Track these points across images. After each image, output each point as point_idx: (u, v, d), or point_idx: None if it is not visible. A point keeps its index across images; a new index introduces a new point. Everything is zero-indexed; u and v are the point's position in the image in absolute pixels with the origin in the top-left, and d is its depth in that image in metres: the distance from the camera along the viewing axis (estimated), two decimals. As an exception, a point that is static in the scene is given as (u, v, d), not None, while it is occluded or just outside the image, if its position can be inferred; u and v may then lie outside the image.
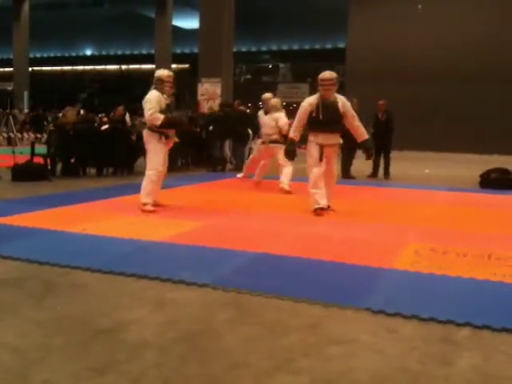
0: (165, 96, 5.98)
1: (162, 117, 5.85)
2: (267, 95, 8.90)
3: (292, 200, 7.17)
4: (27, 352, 2.36)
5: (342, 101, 5.94)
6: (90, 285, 3.35)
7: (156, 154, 6.01)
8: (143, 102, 5.98)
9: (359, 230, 5.29)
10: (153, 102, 5.87)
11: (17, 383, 2.09)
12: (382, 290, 3.42)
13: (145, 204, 5.94)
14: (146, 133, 6.08)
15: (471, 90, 20.92)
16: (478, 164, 12.46)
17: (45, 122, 18.09)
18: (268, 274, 3.72)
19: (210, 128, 11.97)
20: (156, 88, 6.00)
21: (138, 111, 17.21)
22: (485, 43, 21.03)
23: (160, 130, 5.94)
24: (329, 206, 6.08)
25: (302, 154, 6.91)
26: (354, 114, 6.00)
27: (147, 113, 5.88)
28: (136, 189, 7.84)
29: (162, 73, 6.10)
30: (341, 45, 31.20)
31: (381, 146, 10.72)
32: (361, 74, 22.11)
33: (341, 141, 6.22)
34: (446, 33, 21.73)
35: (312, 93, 6.39)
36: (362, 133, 6.08)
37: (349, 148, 10.52)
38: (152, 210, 5.89)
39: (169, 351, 2.42)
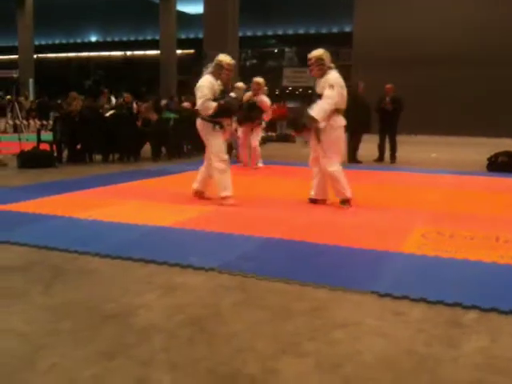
0: (219, 82, 5.61)
1: (213, 105, 5.49)
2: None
3: (298, 185, 7.16)
4: (35, 337, 2.39)
5: (326, 79, 5.44)
6: (98, 270, 3.37)
7: (216, 144, 5.61)
8: (195, 88, 5.63)
9: (365, 214, 5.28)
10: (205, 89, 5.50)
11: (25, 368, 2.11)
12: (388, 273, 3.42)
13: (225, 198, 5.56)
14: (199, 122, 5.69)
15: (479, 73, 20.70)
16: (485, 147, 12.37)
17: (50, 109, 18.11)
18: (274, 258, 3.73)
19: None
20: (212, 73, 5.62)
21: (143, 97, 17.16)
22: (493, 27, 20.76)
23: (213, 120, 5.57)
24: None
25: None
26: (327, 94, 5.37)
27: (198, 101, 5.55)
28: (142, 175, 7.88)
29: (224, 58, 5.66)
30: (347, 29, 30.89)
31: (387, 130, 10.66)
32: (368, 57, 21.92)
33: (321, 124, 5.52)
34: (453, 16, 21.45)
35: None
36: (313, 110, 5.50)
37: (355, 132, 10.50)
38: (233, 202, 5.53)
39: (176, 335, 2.43)
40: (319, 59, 5.50)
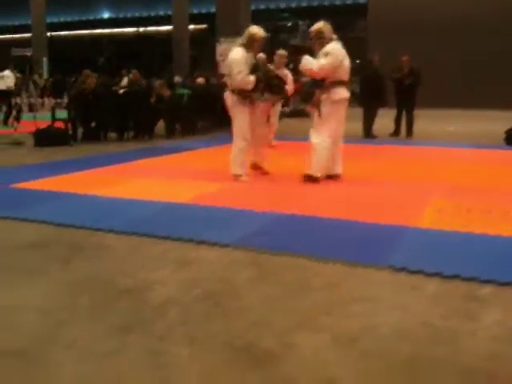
0: (250, 55, 5.47)
1: (252, 79, 5.38)
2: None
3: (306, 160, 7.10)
4: (54, 312, 2.42)
5: (322, 50, 5.33)
6: (114, 246, 3.40)
7: (243, 121, 5.50)
8: (228, 62, 5.52)
9: (382, 188, 5.23)
10: (240, 63, 5.35)
11: (47, 343, 2.15)
12: (404, 247, 3.40)
13: (238, 176, 5.53)
14: (228, 96, 5.56)
15: (496, 44, 20.22)
16: (503, 120, 12.14)
17: (65, 87, 18.13)
18: (289, 234, 3.72)
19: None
20: (243, 45, 5.45)
21: (156, 73, 17.08)
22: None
23: (245, 94, 5.44)
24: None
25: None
26: (319, 60, 5.27)
27: (237, 76, 5.37)
28: (157, 152, 7.89)
29: (258, 31, 5.47)
30: (361, 0, 30.29)
31: (403, 103, 10.49)
32: (383, 28, 21.51)
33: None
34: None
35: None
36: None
37: (370, 107, 10.36)
38: (246, 179, 5.51)
39: (192, 309, 2.45)
40: (319, 32, 5.39)
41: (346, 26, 31.82)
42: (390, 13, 21.58)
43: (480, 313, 2.43)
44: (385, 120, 10.79)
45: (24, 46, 30.91)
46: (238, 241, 3.45)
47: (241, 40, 5.53)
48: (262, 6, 34.95)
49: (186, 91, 11.41)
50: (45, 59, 28.94)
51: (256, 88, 5.48)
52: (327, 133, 5.35)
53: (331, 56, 5.22)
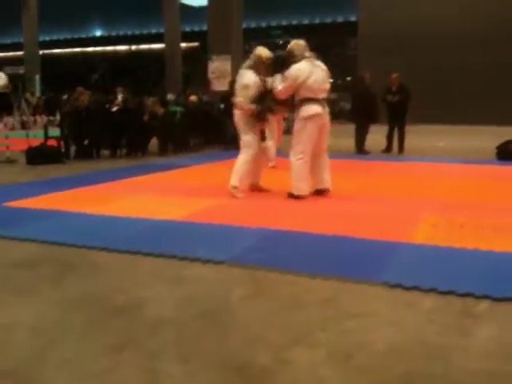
0: (260, 76, 5.55)
1: (253, 108, 5.53)
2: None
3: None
4: (46, 331, 2.39)
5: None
6: (107, 264, 3.37)
7: (249, 134, 5.66)
8: (239, 84, 5.60)
9: (375, 204, 5.25)
10: (251, 89, 5.48)
11: (38, 362, 2.12)
12: (398, 263, 3.40)
13: (234, 187, 5.56)
14: (238, 114, 5.70)
15: (486, 59, 20.50)
16: (493, 136, 12.27)
17: (57, 105, 18.16)
18: (283, 250, 3.72)
19: (222, 106, 11.91)
20: (252, 67, 5.56)
21: (149, 91, 17.11)
22: (502, 10, 20.52)
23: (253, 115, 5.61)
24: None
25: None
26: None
27: (240, 100, 5.55)
28: (150, 169, 7.88)
29: (264, 52, 5.60)
30: (352, 18, 30.69)
31: (394, 120, 10.59)
32: (373, 46, 21.77)
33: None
34: (458, 2, 21.25)
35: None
36: None
37: (362, 123, 10.45)
38: (240, 196, 5.53)
39: (187, 327, 2.43)
40: (289, 52, 5.51)
41: (337, 43, 32.25)
42: (381, 30, 21.87)
43: (474, 329, 2.43)
44: (377, 136, 10.86)
45: (16, 64, 31.00)
46: (233, 258, 3.44)
47: (248, 62, 5.63)
48: (254, 25, 35.32)
49: (178, 109, 11.46)
50: (37, 77, 28.98)
51: (259, 116, 5.61)
52: (300, 149, 5.43)
53: (288, 80, 5.37)
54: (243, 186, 5.66)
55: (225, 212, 4.91)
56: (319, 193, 5.65)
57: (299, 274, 3.13)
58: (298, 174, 5.44)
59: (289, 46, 5.58)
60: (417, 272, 3.20)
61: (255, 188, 5.97)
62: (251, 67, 5.57)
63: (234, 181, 5.59)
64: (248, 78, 5.55)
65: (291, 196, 5.46)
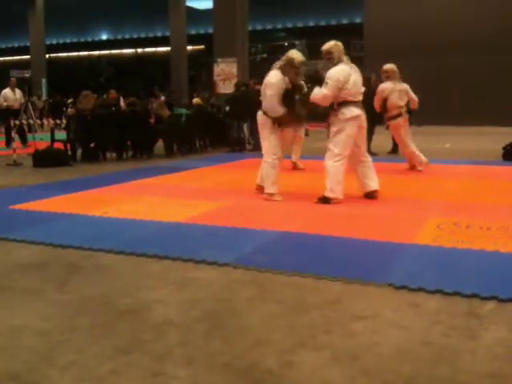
0: (286, 79, 5.50)
1: (281, 111, 5.49)
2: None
3: (308, 178, 7.12)
4: (52, 334, 2.40)
5: None
6: (113, 266, 3.38)
7: (272, 139, 5.58)
8: (265, 84, 5.56)
9: (381, 205, 5.24)
10: (274, 87, 5.44)
11: (43, 365, 2.12)
12: (404, 265, 3.39)
13: (271, 194, 5.55)
14: (261, 116, 5.65)
15: (491, 60, 20.41)
16: (499, 136, 12.21)
17: (63, 108, 18.24)
18: (288, 252, 3.72)
19: (227, 108, 11.93)
20: (280, 68, 5.52)
21: (154, 94, 17.21)
22: (506, 12, 20.43)
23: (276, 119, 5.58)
24: None
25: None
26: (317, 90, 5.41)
27: (267, 100, 5.50)
28: (156, 171, 7.90)
29: (296, 55, 5.56)
30: (357, 20, 30.64)
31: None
32: (379, 48, 21.71)
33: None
34: (462, 3, 21.17)
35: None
36: None
37: (368, 124, 10.40)
38: (279, 199, 5.50)
39: (192, 330, 2.43)
40: (328, 52, 5.44)
41: (343, 45, 32.19)
42: (386, 32, 21.82)
43: (481, 331, 2.41)
44: (383, 137, 10.83)
45: (23, 68, 31.14)
46: (237, 260, 3.44)
47: (279, 63, 5.59)
48: (259, 27, 35.33)
49: (184, 111, 11.48)
50: (44, 81, 29.13)
51: (283, 119, 5.57)
52: (337, 151, 5.33)
53: (330, 83, 5.25)
54: (277, 190, 5.60)
55: (230, 214, 4.91)
56: (369, 196, 5.57)
57: (304, 276, 3.12)
58: (335, 176, 5.31)
59: (327, 45, 5.47)
60: (422, 273, 3.19)
61: (263, 189, 5.94)
62: (279, 68, 5.55)
63: (269, 188, 5.58)
64: (272, 75, 5.53)
65: (323, 200, 5.31)
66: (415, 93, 10.64)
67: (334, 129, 5.37)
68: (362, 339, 2.33)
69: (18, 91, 12.13)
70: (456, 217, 4.68)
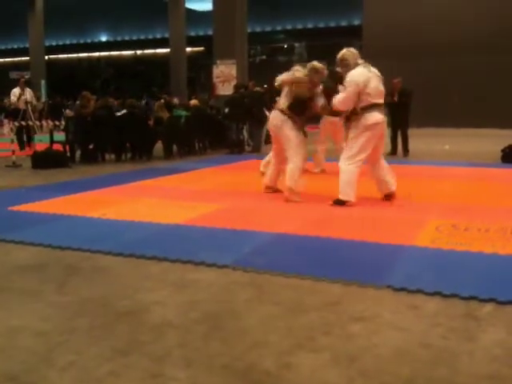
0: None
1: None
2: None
3: (307, 179, 7.13)
4: (51, 335, 2.40)
5: None
6: (112, 268, 3.38)
7: (295, 137, 5.64)
8: (292, 81, 5.69)
9: (379, 207, 5.24)
10: (299, 79, 5.59)
11: (42, 366, 2.12)
12: (403, 267, 3.39)
13: (292, 191, 5.58)
14: (279, 117, 5.74)
15: (491, 61, 20.44)
16: (498, 139, 12.22)
17: (63, 110, 18.26)
18: (287, 253, 3.72)
19: (226, 110, 11.94)
20: (308, 76, 5.69)
21: (154, 96, 17.19)
22: (505, 13, 20.47)
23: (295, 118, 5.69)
24: None
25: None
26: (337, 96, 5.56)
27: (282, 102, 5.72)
28: (155, 173, 7.90)
29: (317, 64, 5.76)
30: (356, 22, 30.69)
31: (398, 123, 10.59)
32: (378, 50, 21.73)
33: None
34: (461, 5, 21.21)
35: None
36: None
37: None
38: (299, 199, 5.53)
39: (191, 331, 2.43)
40: (342, 60, 5.45)
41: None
42: (385, 34, 21.84)
43: (479, 333, 2.42)
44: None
45: (22, 69, 31.14)
46: (236, 261, 3.44)
47: (303, 70, 5.71)
48: (258, 29, 35.37)
49: (183, 113, 11.49)
50: (43, 82, 29.13)
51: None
52: (352, 154, 5.31)
53: (348, 87, 5.27)
54: (299, 190, 5.62)
55: (229, 216, 4.91)
56: (388, 197, 5.59)
57: (303, 278, 3.13)
58: (349, 178, 5.29)
59: (340, 53, 5.49)
60: (421, 275, 3.19)
61: (272, 189, 6.01)
62: (304, 75, 5.67)
63: (291, 184, 5.58)
64: (300, 72, 5.67)
65: (338, 203, 5.29)
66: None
67: (353, 132, 5.33)
68: (361, 341, 2.33)
69: (28, 91, 11.99)
70: (455, 219, 4.68)
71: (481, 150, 11.60)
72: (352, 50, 5.52)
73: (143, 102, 12.96)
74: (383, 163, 5.64)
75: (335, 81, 5.64)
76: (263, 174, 7.59)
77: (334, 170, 7.54)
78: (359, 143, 5.31)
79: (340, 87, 5.51)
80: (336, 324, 2.51)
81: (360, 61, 5.45)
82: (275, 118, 5.77)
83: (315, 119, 6.20)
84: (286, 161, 5.79)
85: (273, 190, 6.06)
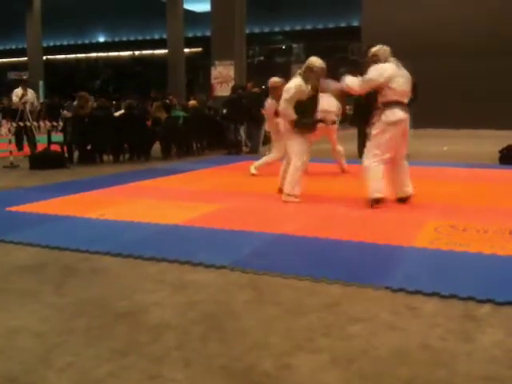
0: (309, 86, 5.51)
1: (293, 117, 5.52)
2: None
3: (306, 180, 7.13)
4: (50, 336, 2.40)
5: None
6: (110, 269, 3.38)
7: (298, 144, 5.62)
8: (284, 89, 5.63)
9: (378, 208, 5.24)
10: (291, 92, 5.48)
11: (41, 367, 2.12)
12: (401, 268, 3.39)
13: (289, 195, 5.57)
14: (282, 121, 5.75)
15: (487, 64, 20.48)
16: (496, 140, 12.24)
17: (61, 110, 18.24)
18: (286, 254, 3.72)
19: (224, 111, 11.94)
20: (302, 75, 5.54)
21: (151, 97, 17.20)
22: (505, 15, 20.52)
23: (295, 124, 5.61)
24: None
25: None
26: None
27: (281, 104, 5.59)
28: (153, 174, 7.90)
29: (316, 61, 5.56)
30: (355, 23, 30.74)
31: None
32: (376, 51, 21.75)
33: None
34: (460, 6, 21.25)
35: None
36: None
37: (364, 127, 10.44)
38: (297, 201, 5.53)
39: (189, 332, 2.43)
40: (374, 56, 5.39)
41: (341, 49, 32.33)
42: (384, 35, 21.80)
43: (478, 334, 2.42)
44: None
45: (20, 70, 31.10)
46: (235, 262, 3.44)
47: (299, 70, 5.64)
48: (256, 30, 35.39)
49: (181, 113, 11.49)
50: (41, 83, 29.09)
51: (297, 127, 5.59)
52: (376, 152, 5.26)
53: (367, 76, 5.23)
54: (297, 193, 5.61)
55: (227, 216, 4.91)
56: (402, 201, 5.51)
57: (301, 279, 3.12)
58: (375, 175, 5.22)
59: (373, 49, 5.44)
60: (419, 276, 3.20)
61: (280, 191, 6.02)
62: (300, 74, 5.57)
63: (289, 189, 5.59)
64: (292, 81, 5.59)
65: (373, 202, 5.21)
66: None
67: (376, 130, 5.28)
68: (360, 342, 2.33)
69: (30, 92, 11.92)
70: (453, 220, 4.69)
71: (479, 151, 11.61)
72: (385, 47, 5.46)
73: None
74: (405, 164, 5.56)
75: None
76: (253, 175, 7.60)
77: (333, 171, 7.56)
78: (383, 140, 5.22)
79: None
80: (335, 325, 2.50)
81: (391, 59, 5.38)
82: (281, 122, 5.77)
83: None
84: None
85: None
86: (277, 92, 7.92)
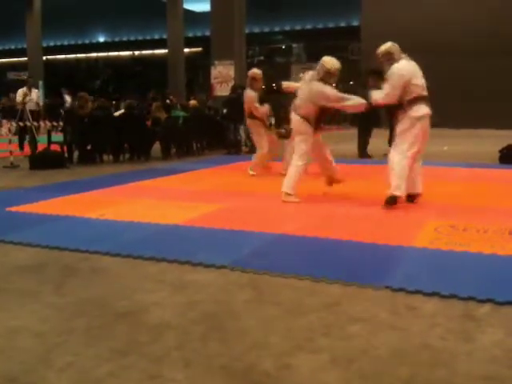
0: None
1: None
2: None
3: (305, 181, 7.13)
4: (49, 336, 2.39)
5: None
6: (110, 269, 3.38)
7: (305, 143, 5.66)
8: (311, 92, 5.65)
9: (378, 208, 5.24)
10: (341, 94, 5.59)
11: (40, 367, 2.12)
12: (401, 267, 3.39)
13: (289, 195, 5.59)
14: (299, 120, 5.72)
15: (487, 63, 20.48)
16: (496, 139, 12.25)
17: (61, 110, 18.23)
18: (286, 254, 3.72)
19: (224, 111, 11.94)
20: (322, 80, 5.57)
21: (151, 97, 17.20)
22: (505, 15, 20.52)
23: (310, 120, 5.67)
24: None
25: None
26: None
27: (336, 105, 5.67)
28: (153, 174, 7.90)
29: (331, 63, 5.60)
30: (355, 22, 30.73)
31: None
32: (376, 51, 21.76)
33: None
34: (461, 6, 21.26)
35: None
36: None
37: (364, 127, 10.45)
38: (297, 200, 5.54)
39: (189, 332, 2.43)
40: (387, 53, 5.36)
41: (340, 48, 32.35)
42: (384, 35, 21.82)
43: (478, 333, 2.42)
44: (379, 140, 10.86)
45: (20, 70, 31.08)
46: (235, 262, 3.44)
47: (316, 75, 5.62)
48: (256, 30, 35.38)
49: (181, 113, 11.49)
50: (40, 83, 29.06)
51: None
52: (405, 148, 5.23)
53: (391, 81, 5.19)
54: (296, 192, 5.62)
55: (227, 216, 4.91)
56: (411, 198, 5.47)
57: (301, 279, 3.12)
58: (400, 172, 5.17)
59: (385, 47, 5.40)
60: (419, 276, 3.20)
61: (332, 181, 6.10)
62: (320, 80, 5.57)
63: (288, 188, 5.60)
64: (317, 84, 5.57)
65: (391, 201, 5.17)
66: None
67: (404, 125, 5.25)
68: (360, 342, 2.33)
69: (34, 92, 11.90)
70: (453, 219, 4.69)
71: (479, 151, 11.62)
72: (396, 44, 5.43)
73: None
74: (419, 164, 5.54)
75: (378, 78, 5.55)
76: (253, 175, 7.61)
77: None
78: (412, 135, 5.19)
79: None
80: (335, 325, 2.50)
81: (403, 55, 5.37)
82: (295, 122, 5.78)
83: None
84: (326, 158, 5.97)
85: (332, 180, 6.07)
86: (257, 84, 7.93)
